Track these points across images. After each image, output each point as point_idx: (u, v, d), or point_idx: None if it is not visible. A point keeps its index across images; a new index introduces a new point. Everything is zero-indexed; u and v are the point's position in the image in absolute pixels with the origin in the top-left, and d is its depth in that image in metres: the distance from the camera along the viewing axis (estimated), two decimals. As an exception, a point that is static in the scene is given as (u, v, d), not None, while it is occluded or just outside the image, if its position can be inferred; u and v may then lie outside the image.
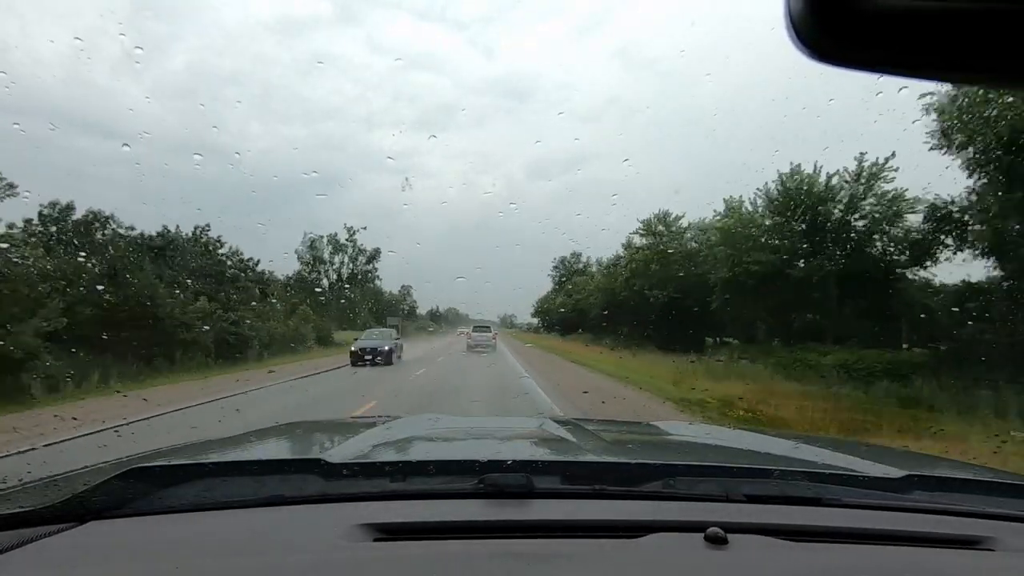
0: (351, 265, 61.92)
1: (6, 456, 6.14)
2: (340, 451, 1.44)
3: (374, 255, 62.93)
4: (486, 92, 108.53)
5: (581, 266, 71.14)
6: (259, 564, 0.87)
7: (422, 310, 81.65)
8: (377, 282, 62.91)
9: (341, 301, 54.70)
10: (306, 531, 0.96)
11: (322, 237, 60.68)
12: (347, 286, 60.66)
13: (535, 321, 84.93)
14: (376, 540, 0.92)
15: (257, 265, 31.12)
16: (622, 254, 39.37)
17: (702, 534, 0.92)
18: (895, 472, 1.26)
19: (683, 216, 33.46)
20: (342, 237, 61.26)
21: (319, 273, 60.68)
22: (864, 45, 0.45)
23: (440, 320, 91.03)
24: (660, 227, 34.04)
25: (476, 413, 8.92)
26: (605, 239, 50.64)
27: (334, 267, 61.61)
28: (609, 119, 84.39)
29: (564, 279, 66.87)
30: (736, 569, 0.88)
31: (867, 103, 18.56)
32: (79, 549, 0.90)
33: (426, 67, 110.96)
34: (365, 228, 63.68)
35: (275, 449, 1.76)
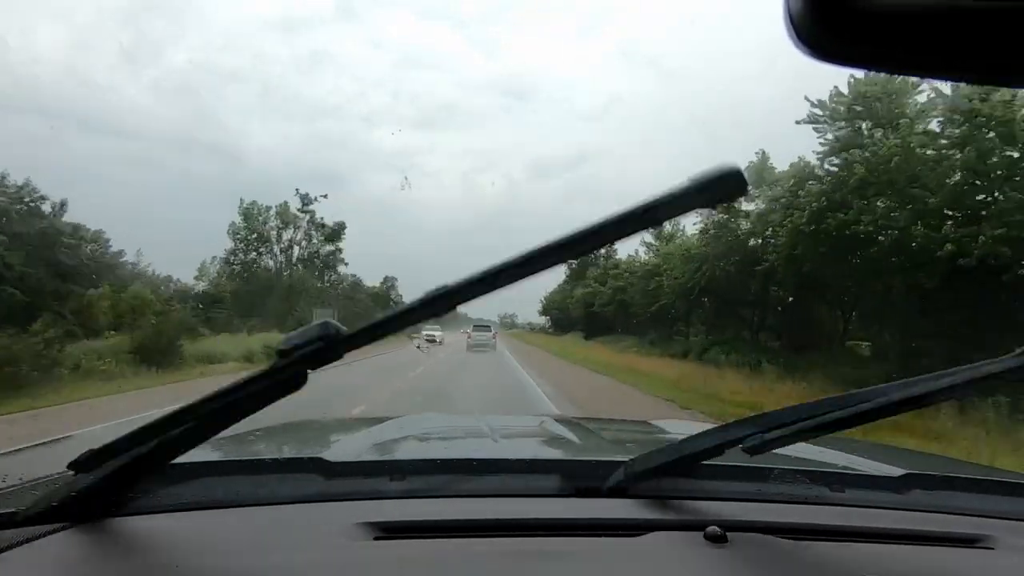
0: (305, 244, 47.47)
1: None
2: (340, 450, 1.44)
3: (336, 232, 48.01)
4: (487, 91, 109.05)
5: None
6: (259, 564, 0.86)
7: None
8: (342, 268, 49.36)
9: (258, 301, 40.29)
10: (306, 530, 0.95)
11: (269, 208, 46.58)
12: (328, 274, 48.53)
13: (544, 321, 71.00)
14: (376, 539, 0.91)
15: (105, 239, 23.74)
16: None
17: (701, 533, 0.91)
18: (895, 471, 1.25)
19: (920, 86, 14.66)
20: (294, 206, 46.62)
21: (258, 253, 46.11)
22: (864, 43, 0.44)
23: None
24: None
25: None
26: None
27: (281, 246, 46.88)
28: (610, 118, 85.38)
29: (585, 266, 53.66)
30: (736, 568, 0.88)
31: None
32: (78, 549, 0.90)
33: (427, 65, 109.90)
34: (326, 196, 50.93)
35: (274, 448, 1.72)
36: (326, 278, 47.88)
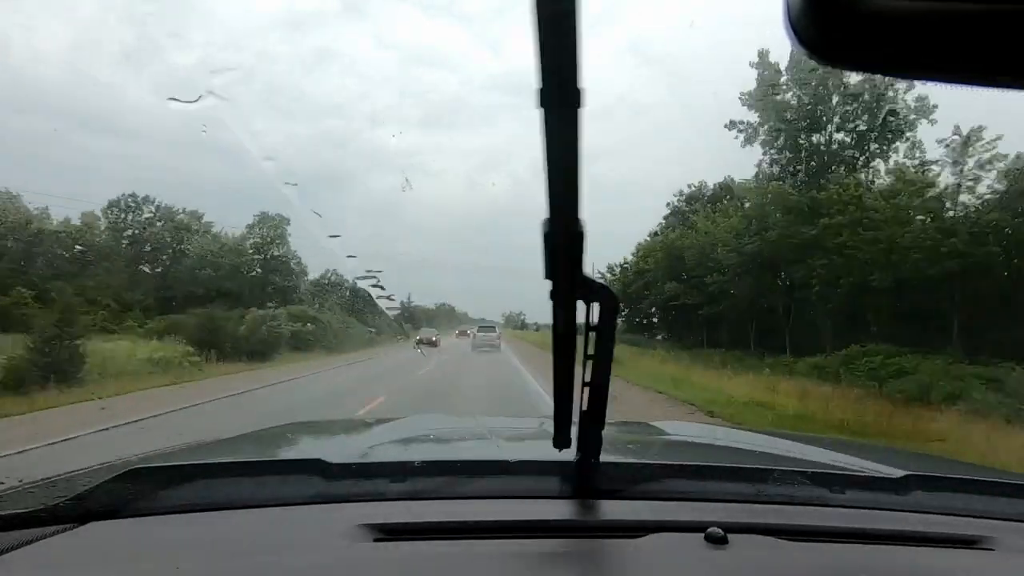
0: None
1: None
2: (340, 451, 1.45)
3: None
4: (493, 88, 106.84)
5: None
6: (259, 564, 0.86)
7: (394, 296, 58.48)
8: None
9: None
10: (306, 531, 0.95)
11: None
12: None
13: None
14: (376, 540, 0.91)
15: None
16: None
17: (702, 534, 0.91)
18: (895, 472, 1.25)
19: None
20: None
21: None
22: (864, 45, 0.44)
23: (427, 320, 74.09)
24: None
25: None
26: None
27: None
28: (618, 116, 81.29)
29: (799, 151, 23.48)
30: (736, 569, 0.88)
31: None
32: (79, 550, 0.89)
33: (432, 63, 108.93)
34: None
35: (275, 449, 1.73)
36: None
